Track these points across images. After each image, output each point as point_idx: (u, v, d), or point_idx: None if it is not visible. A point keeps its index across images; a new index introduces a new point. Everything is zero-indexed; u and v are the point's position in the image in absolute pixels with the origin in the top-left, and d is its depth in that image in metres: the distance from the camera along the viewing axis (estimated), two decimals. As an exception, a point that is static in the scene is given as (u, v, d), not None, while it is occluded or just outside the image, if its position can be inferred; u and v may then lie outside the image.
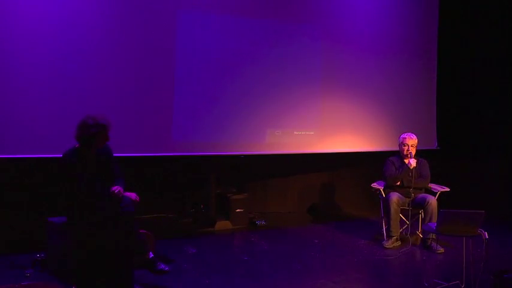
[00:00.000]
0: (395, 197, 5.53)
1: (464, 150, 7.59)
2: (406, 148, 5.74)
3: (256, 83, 6.10)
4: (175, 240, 5.58)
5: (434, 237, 5.37)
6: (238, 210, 6.32)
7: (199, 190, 6.51)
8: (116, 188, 4.16)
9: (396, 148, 5.96)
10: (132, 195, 4.26)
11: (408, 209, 5.52)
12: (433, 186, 5.86)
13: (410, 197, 5.56)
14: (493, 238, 4.45)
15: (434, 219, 5.26)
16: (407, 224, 5.65)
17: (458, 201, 5.73)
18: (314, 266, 4.92)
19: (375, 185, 5.91)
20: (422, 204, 5.54)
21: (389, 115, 7.00)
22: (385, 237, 5.63)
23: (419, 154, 5.88)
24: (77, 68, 5.09)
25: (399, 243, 5.61)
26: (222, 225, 6.21)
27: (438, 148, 7.39)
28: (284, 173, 7.19)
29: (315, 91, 6.50)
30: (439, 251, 5.34)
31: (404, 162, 5.73)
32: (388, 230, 5.58)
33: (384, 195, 5.72)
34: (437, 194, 5.71)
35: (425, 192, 5.77)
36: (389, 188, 5.74)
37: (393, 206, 5.49)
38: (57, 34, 4.98)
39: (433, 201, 5.49)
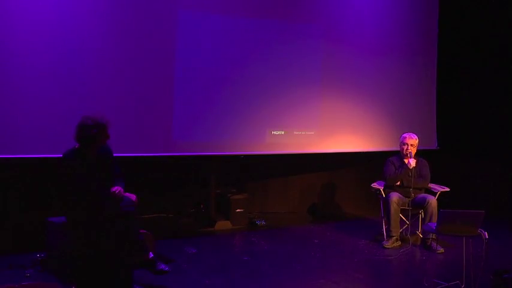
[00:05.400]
0: (395, 197, 5.53)
1: (464, 150, 7.59)
2: (405, 147, 5.74)
3: (257, 83, 6.09)
4: (175, 240, 5.58)
5: (434, 237, 5.37)
6: (238, 210, 6.32)
7: (199, 190, 6.51)
8: (116, 189, 4.15)
9: (396, 148, 5.96)
10: (132, 197, 4.25)
11: (408, 209, 5.53)
12: (433, 186, 5.86)
13: (410, 197, 5.55)
14: (493, 238, 4.44)
15: (434, 219, 5.26)
16: (407, 224, 5.65)
17: (458, 201, 5.73)
18: (314, 266, 4.92)
19: (375, 185, 5.91)
20: (422, 204, 5.54)
21: (390, 115, 7.00)
22: (385, 237, 5.63)
23: (419, 154, 5.88)
24: (76, 68, 5.08)
25: (399, 243, 5.61)
26: (222, 225, 6.21)
27: (438, 148, 7.39)
28: (284, 173, 7.19)
29: (315, 91, 6.50)
30: (439, 251, 5.34)
31: (404, 162, 5.73)
32: (388, 230, 5.59)
33: (383, 195, 5.72)
34: (437, 194, 5.71)
35: (425, 192, 5.77)
36: (389, 188, 5.74)
37: (393, 206, 5.49)
38: (57, 34, 4.97)
39: (433, 201, 5.49)
